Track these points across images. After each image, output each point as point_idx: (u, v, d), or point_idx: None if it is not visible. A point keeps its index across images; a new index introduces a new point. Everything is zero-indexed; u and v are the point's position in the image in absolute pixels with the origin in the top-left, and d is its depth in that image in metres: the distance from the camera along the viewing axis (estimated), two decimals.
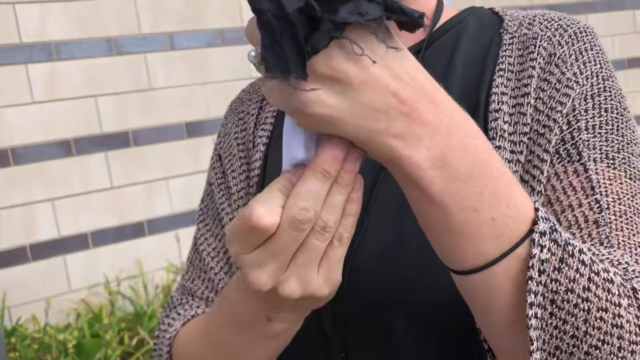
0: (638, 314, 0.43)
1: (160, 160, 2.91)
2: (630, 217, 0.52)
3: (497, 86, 0.59)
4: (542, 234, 0.41)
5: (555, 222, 0.44)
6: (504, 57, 0.60)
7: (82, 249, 2.74)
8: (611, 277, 0.43)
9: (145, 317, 2.58)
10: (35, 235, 2.66)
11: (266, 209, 0.40)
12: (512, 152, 0.56)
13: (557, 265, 0.41)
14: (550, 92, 0.56)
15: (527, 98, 0.57)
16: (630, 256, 0.49)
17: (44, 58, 2.69)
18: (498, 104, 0.58)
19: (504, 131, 0.57)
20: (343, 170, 0.40)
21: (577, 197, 0.52)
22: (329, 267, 0.43)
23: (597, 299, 0.42)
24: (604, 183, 0.53)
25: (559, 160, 0.54)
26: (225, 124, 0.76)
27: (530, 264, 0.41)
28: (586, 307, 0.41)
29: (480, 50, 0.62)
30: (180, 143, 2.97)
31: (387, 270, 0.57)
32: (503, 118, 0.57)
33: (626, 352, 0.42)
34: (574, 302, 0.41)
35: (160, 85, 2.91)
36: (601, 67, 0.58)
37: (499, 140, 0.57)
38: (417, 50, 0.64)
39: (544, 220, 0.42)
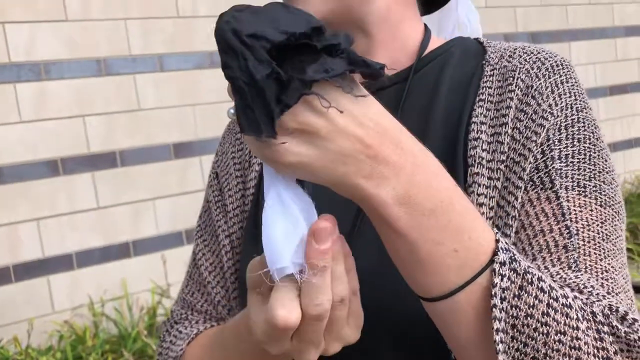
0: (596, 337, 0.46)
1: (147, 181, 2.91)
2: (599, 242, 0.55)
3: (477, 116, 0.61)
4: (502, 264, 0.45)
5: (515, 252, 0.47)
6: (484, 88, 0.63)
7: (67, 270, 2.71)
8: (570, 303, 0.46)
9: (130, 339, 2.55)
10: (19, 255, 2.62)
11: (287, 310, 0.43)
12: (489, 178, 0.59)
13: (516, 293, 0.45)
14: (527, 123, 0.59)
15: (505, 127, 0.60)
16: (596, 280, 0.52)
17: (32, 77, 2.69)
18: (477, 132, 0.61)
19: (482, 159, 0.60)
20: (316, 256, 0.43)
21: (549, 223, 0.55)
22: (354, 316, 0.47)
23: (555, 322, 0.45)
24: (575, 210, 0.56)
25: (533, 187, 0.57)
26: (223, 143, 0.79)
27: (493, 292, 0.44)
28: (545, 331, 0.45)
29: (463, 80, 0.65)
30: (168, 164, 2.97)
31: (371, 293, 0.59)
32: (482, 146, 0.60)
33: None
34: (534, 326, 0.44)
35: (149, 106, 2.92)
36: (576, 99, 0.61)
37: (477, 167, 0.59)
38: (405, 78, 0.66)
39: (504, 251, 0.45)
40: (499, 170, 0.59)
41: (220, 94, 3.09)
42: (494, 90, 0.63)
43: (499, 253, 0.45)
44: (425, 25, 0.71)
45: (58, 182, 2.72)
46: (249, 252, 0.69)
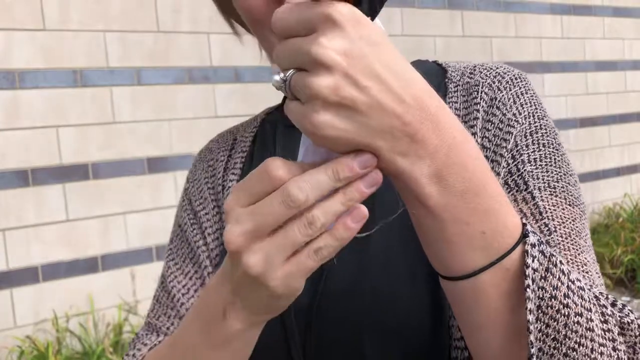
0: (602, 319, 0.48)
1: (119, 195, 2.87)
2: (574, 238, 0.58)
3: None
4: (533, 245, 0.46)
5: (540, 236, 0.48)
6: (451, 103, 0.66)
7: (31, 283, 2.64)
8: (582, 286, 0.48)
9: (94, 356, 2.49)
10: None
11: (285, 168, 0.43)
12: None
13: (543, 274, 0.46)
14: (495, 132, 0.63)
15: (475, 137, 0.63)
16: (579, 272, 0.56)
17: (6, 85, 2.64)
18: None
19: None
20: (353, 186, 0.43)
21: (528, 222, 0.58)
22: (295, 269, 0.44)
23: (574, 304, 0.46)
24: (550, 209, 0.59)
25: (508, 190, 0.60)
26: (194, 171, 0.79)
27: (526, 273, 0.45)
28: (566, 313, 0.46)
29: None
30: (141, 178, 2.93)
31: (355, 297, 0.60)
32: None
33: (597, 353, 0.47)
34: (556, 307, 0.45)
35: (125, 119, 2.89)
36: (536, 108, 0.65)
37: None
38: None
39: (533, 234, 0.47)
40: None
41: (197, 109, 3.08)
42: (460, 104, 0.66)
43: (529, 235, 0.46)
44: None
45: (27, 193, 2.66)
46: None
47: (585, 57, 5.02)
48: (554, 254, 0.47)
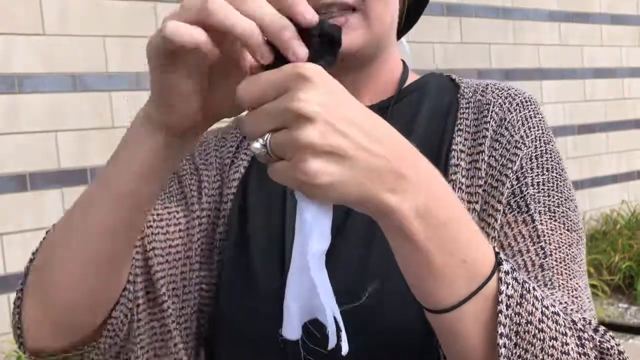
0: (578, 342, 0.50)
1: None
2: (568, 263, 0.60)
3: (457, 144, 0.67)
4: (507, 272, 0.48)
5: (513, 263, 0.51)
6: (462, 119, 0.69)
7: None
8: (557, 310, 0.50)
9: None
10: None
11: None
12: (468, 202, 0.64)
13: (518, 300, 0.48)
14: (502, 152, 0.65)
15: (482, 155, 0.65)
16: (568, 297, 0.58)
17: (5, 90, 2.65)
18: (457, 159, 0.66)
19: (462, 184, 0.65)
20: None
21: (526, 244, 0.61)
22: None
23: (549, 329, 0.49)
24: (548, 233, 0.61)
25: (510, 210, 0.62)
26: (206, 137, 0.78)
27: (499, 299, 0.47)
28: (542, 337, 0.48)
29: (440, 111, 0.71)
30: None
31: (353, 300, 0.61)
32: (461, 172, 0.65)
33: None
34: (532, 332, 0.48)
35: (124, 124, 2.90)
36: (543, 132, 0.67)
37: (458, 192, 0.64)
38: (386, 107, 0.71)
39: (506, 262, 0.49)
40: (477, 194, 0.64)
41: None
42: (471, 121, 0.68)
43: (503, 263, 0.48)
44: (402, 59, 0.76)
45: (25, 197, 2.67)
46: (234, 254, 0.69)
47: (583, 64, 5.03)
48: (527, 280, 0.50)
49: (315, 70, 0.43)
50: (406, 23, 0.77)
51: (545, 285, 0.58)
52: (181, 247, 0.70)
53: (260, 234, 0.69)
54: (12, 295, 2.75)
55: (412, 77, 0.74)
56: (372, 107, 0.68)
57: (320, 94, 0.42)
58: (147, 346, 0.67)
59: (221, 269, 0.71)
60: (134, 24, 2.92)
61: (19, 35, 2.69)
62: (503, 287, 0.48)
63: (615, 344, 0.51)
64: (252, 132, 0.44)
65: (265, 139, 0.43)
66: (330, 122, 0.42)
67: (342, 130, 0.42)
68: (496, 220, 0.62)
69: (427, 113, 0.70)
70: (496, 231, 0.62)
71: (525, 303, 0.48)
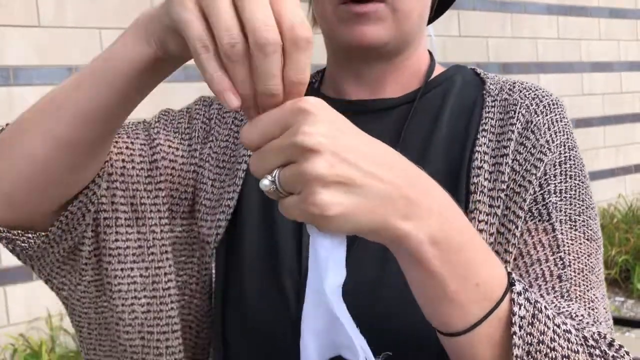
0: (588, 359, 0.50)
1: None
2: (586, 274, 0.60)
3: (481, 145, 0.66)
4: (519, 293, 0.49)
5: (525, 283, 0.51)
6: (487, 119, 0.67)
7: (25, 281, 2.62)
8: (569, 329, 0.50)
9: None
10: None
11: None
12: (490, 206, 0.63)
13: (530, 320, 0.48)
14: (526, 156, 0.64)
15: (506, 158, 0.64)
16: (585, 309, 0.58)
17: (0, 82, 2.63)
18: (480, 161, 0.65)
19: (484, 187, 0.64)
20: None
21: (545, 253, 0.60)
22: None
23: (561, 348, 0.49)
24: (568, 242, 0.61)
25: (532, 218, 0.62)
26: (219, 108, 0.77)
27: (512, 321, 0.48)
28: (553, 356, 0.48)
29: (465, 108, 0.69)
30: None
31: (371, 304, 0.61)
32: (484, 175, 0.64)
33: None
34: (544, 352, 0.48)
35: None
36: (568, 138, 0.67)
37: (479, 195, 0.63)
38: (412, 99, 0.70)
39: (519, 282, 0.49)
40: (499, 199, 0.63)
41: None
42: (496, 121, 0.67)
43: (515, 284, 0.49)
44: (429, 50, 0.75)
45: None
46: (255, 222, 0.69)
47: (581, 58, 5.03)
48: (539, 299, 0.50)
49: (314, 103, 0.43)
50: (436, 13, 0.77)
51: (562, 296, 0.58)
52: (169, 184, 0.70)
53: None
54: (9, 289, 2.73)
55: (438, 70, 0.73)
56: (396, 100, 0.69)
57: (323, 125, 0.42)
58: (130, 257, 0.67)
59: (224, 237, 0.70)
60: (130, 16, 2.89)
61: (14, 26, 2.66)
62: (516, 309, 0.48)
63: (630, 359, 0.52)
64: (260, 170, 0.44)
65: (273, 175, 0.43)
66: (336, 152, 0.42)
67: (348, 159, 0.43)
68: (517, 226, 0.62)
69: (451, 109, 0.69)
70: (516, 237, 0.61)
71: (537, 323, 0.48)
